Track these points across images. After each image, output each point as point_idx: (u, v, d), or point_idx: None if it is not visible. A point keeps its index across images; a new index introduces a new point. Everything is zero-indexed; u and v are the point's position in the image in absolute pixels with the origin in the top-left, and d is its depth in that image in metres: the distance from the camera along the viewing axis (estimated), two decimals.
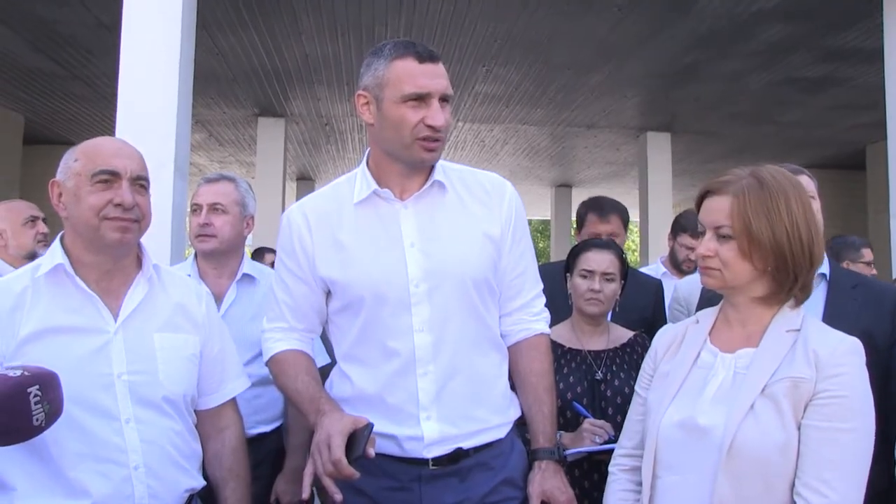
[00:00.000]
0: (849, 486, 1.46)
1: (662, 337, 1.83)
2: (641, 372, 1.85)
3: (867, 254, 4.33)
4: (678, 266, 4.09)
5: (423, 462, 1.82)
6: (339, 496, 1.62)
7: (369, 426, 1.65)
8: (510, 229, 1.97)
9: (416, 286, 1.83)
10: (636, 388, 1.86)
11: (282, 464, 2.67)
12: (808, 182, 2.42)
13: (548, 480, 1.91)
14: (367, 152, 1.97)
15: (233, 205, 2.71)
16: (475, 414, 1.87)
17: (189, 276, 2.61)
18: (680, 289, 3.34)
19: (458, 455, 1.84)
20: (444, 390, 1.84)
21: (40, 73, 8.04)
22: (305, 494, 1.68)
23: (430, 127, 1.78)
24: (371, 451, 1.63)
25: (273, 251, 4.95)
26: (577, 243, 2.77)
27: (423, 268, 1.84)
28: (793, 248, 1.56)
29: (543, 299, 2.10)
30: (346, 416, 1.69)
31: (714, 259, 1.62)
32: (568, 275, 2.67)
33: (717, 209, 1.62)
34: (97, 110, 9.42)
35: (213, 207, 2.69)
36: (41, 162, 7.65)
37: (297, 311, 1.97)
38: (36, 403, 1.45)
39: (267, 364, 2.00)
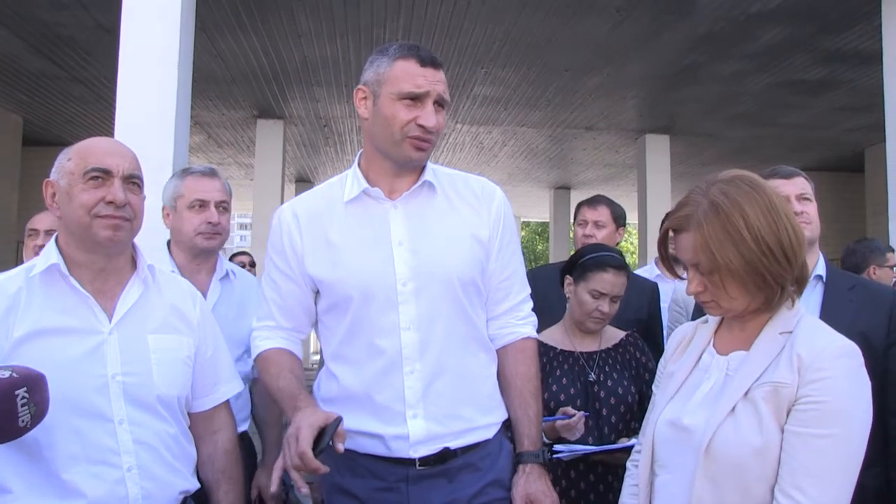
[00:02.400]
0: (825, 494, 1.43)
1: (674, 337, 1.84)
2: (657, 371, 1.87)
3: (891, 258, 4.37)
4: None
5: (409, 462, 1.83)
6: (304, 489, 1.62)
7: (338, 419, 1.64)
8: (498, 232, 1.98)
9: (403, 285, 1.85)
10: (653, 387, 1.87)
11: (251, 462, 2.66)
12: (804, 184, 2.43)
13: (532, 484, 1.91)
14: (359, 153, 1.99)
15: (230, 201, 2.71)
16: (462, 413, 1.88)
17: (173, 271, 2.56)
18: (679, 290, 3.37)
19: (445, 455, 1.84)
20: (431, 389, 1.85)
21: (40, 74, 8.05)
22: (274, 488, 1.68)
23: (421, 126, 1.81)
24: (340, 446, 1.62)
25: None
26: (587, 251, 2.68)
27: (410, 266, 1.85)
28: (766, 263, 1.52)
29: (531, 303, 2.11)
30: (318, 411, 1.68)
31: (706, 293, 1.61)
32: (569, 278, 2.65)
33: (687, 247, 1.60)
34: (96, 112, 9.43)
35: (219, 205, 2.64)
36: (40, 163, 7.64)
37: (286, 310, 1.98)
38: (23, 405, 1.46)
39: (254, 362, 2.02)
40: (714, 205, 1.56)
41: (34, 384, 1.50)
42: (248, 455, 2.70)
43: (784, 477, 1.45)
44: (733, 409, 1.52)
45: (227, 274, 2.71)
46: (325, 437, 1.61)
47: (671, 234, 1.66)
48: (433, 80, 1.82)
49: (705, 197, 1.58)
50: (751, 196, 1.56)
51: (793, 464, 1.45)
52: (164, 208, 2.69)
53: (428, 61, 1.83)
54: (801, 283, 1.60)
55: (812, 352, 1.50)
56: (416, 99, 1.81)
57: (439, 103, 1.84)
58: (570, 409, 2.40)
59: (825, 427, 1.44)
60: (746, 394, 1.52)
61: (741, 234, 1.52)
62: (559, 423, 2.36)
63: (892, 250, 4.47)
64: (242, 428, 2.66)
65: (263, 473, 2.65)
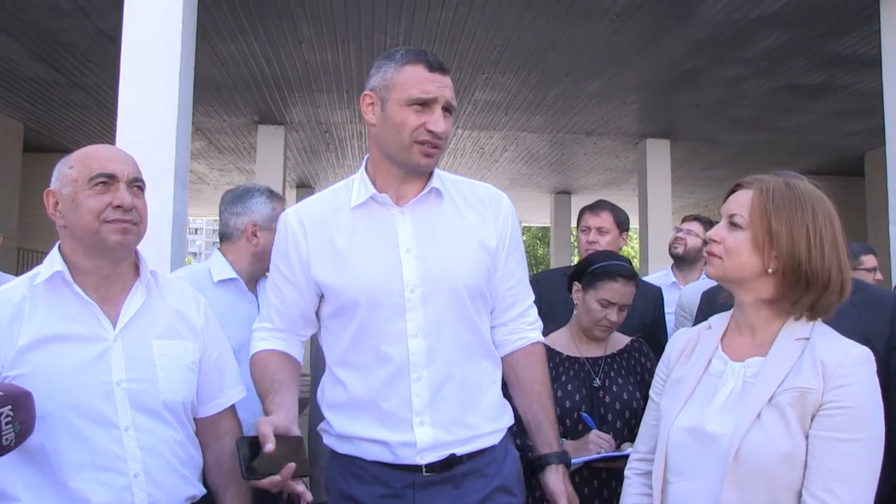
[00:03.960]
0: (855, 497, 1.45)
1: (676, 342, 1.83)
2: (655, 377, 1.87)
3: (868, 260, 4.29)
4: (674, 254, 4.19)
5: (416, 469, 1.82)
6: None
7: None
8: (506, 240, 1.99)
9: (411, 291, 1.84)
10: (650, 392, 1.87)
11: None
12: None
13: (569, 485, 1.97)
14: (365, 158, 1.98)
15: None
16: (468, 420, 1.88)
17: (236, 279, 2.66)
18: (685, 295, 3.37)
19: (451, 462, 1.84)
20: (438, 396, 1.85)
21: (41, 81, 8.06)
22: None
23: (430, 132, 1.81)
24: (269, 447, 1.61)
25: None
26: (597, 258, 2.67)
27: (418, 273, 1.85)
28: (812, 258, 1.54)
29: (536, 309, 2.12)
30: (268, 421, 1.68)
31: (719, 246, 1.63)
32: (577, 284, 2.63)
33: (738, 200, 1.63)
34: (97, 118, 9.44)
35: None
36: (41, 169, 7.65)
37: (285, 315, 1.99)
38: (7, 423, 1.46)
39: (250, 364, 2.02)
40: (788, 184, 1.60)
41: (20, 402, 1.50)
42: None
43: (813, 481, 1.47)
44: (759, 415, 1.52)
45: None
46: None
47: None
48: (441, 86, 1.83)
49: (782, 179, 1.62)
50: (825, 208, 1.60)
51: (821, 468, 1.46)
52: (254, 225, 2.70)
53: (436, 66, 1.84)
54: (821, 311, 1.61)
55: (835, 358, 1.52)
56: (424, 105, 1.81)
57: (447, 109, 1.84)
58: (603, 435, 2.40)
59: (852, 431, 1.47)
60: (770, 399, 1.53)
61: (803, 218, 1.56)
62: (595, 432, 2.37)
63: (872, 252, 4.38)
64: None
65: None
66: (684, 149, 10.87)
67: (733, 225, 1.62)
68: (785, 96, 8.39)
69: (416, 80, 1.81)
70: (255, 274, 2.75)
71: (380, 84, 1.86)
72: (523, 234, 26.80)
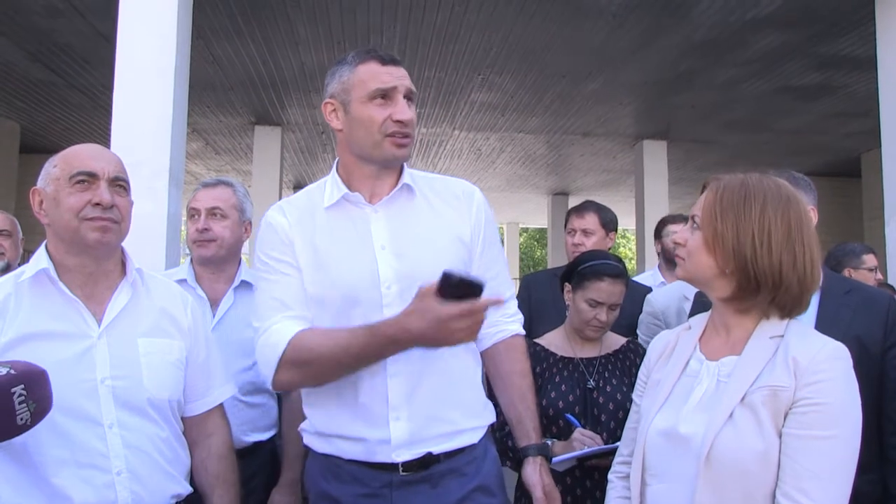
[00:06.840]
0: (828, 495, 1.43)
1: (656, 344, 1.83)
2: (637, 380, 1.86)
3: (869, 260, 4.29)
4: (671, 260, 4.14)
5: (393, 467, 1.81)
6: None
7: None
8: (480, 233, 1.99)
9: (387, 288, 1.83)
10: (633, 395, 1.86)
11: (276, 474, 2.59)
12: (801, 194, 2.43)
13: (546, 476, 1.95)
14: (336, 161, 1.98)
15: (231, 209, 2.68)
16: (447, 416, 1.86)
17: (185, 280, 2.59)
18: (654, 302, 3.23)
19: (428, 460, 1.83)
20: (415, 391, 1.84)
21: (37, 82, 8.05)
22: None
23: (397, 122, 1.82)
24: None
25: None
26: (585, 258, 2.64)
27: (394, 269, 1.84)
28: (757, 257, 1.52)
29: (516, 301, 2.12)
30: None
31: (683, 248, 1.64)
32: (568, 285, 2.63)
33: (700, 200, 1.64)
34: (93, 119, 9.43)
35: (212, 212, 2.65)
36: (37, 170, 7.64)
37: (297, 301, 1.85)
38: (20, 403, 1.45)
39: (284, 355, 1.78)
40: (743, 182, 1.59)
41: (33, 381, 1.49)
42: (273, 462, 2.66)
43: (786, 480, 1.45)
44: (731, 414, 1.51)
45: (243, 283, 2.68)
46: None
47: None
48: (398, 76, 1.85)
49: (740, 176, 1.61)
50: (782, 203, 1.57)
51: (795, 466, 1.45)
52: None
53: (388, 60, 1.86)
54: (793, 308, 1.59)
55: (808, 354, 1.50)
56: (385, 97, 1.82)
57: (408, 97, 1.86)
58: (587, 432, 2.40)
59: (826, 428, 1.45)
60: (743, 399, 1.51)
61: (749, 216, 1.54)
62: (579, 430, 2.37)
63: (872, 251, 4.37)
64: (266, 436, 2.65)
65: (278, 492, 2.53)
66: (681, 150, 10.87)
67: (694, 225, 1.63)
68: (781, 98, 8.40)
69: (371, 74, 1.83)
70: (204, 269, 2.69)
71: (338, 89, 1.88)
72: (520, 235, 26.78)
